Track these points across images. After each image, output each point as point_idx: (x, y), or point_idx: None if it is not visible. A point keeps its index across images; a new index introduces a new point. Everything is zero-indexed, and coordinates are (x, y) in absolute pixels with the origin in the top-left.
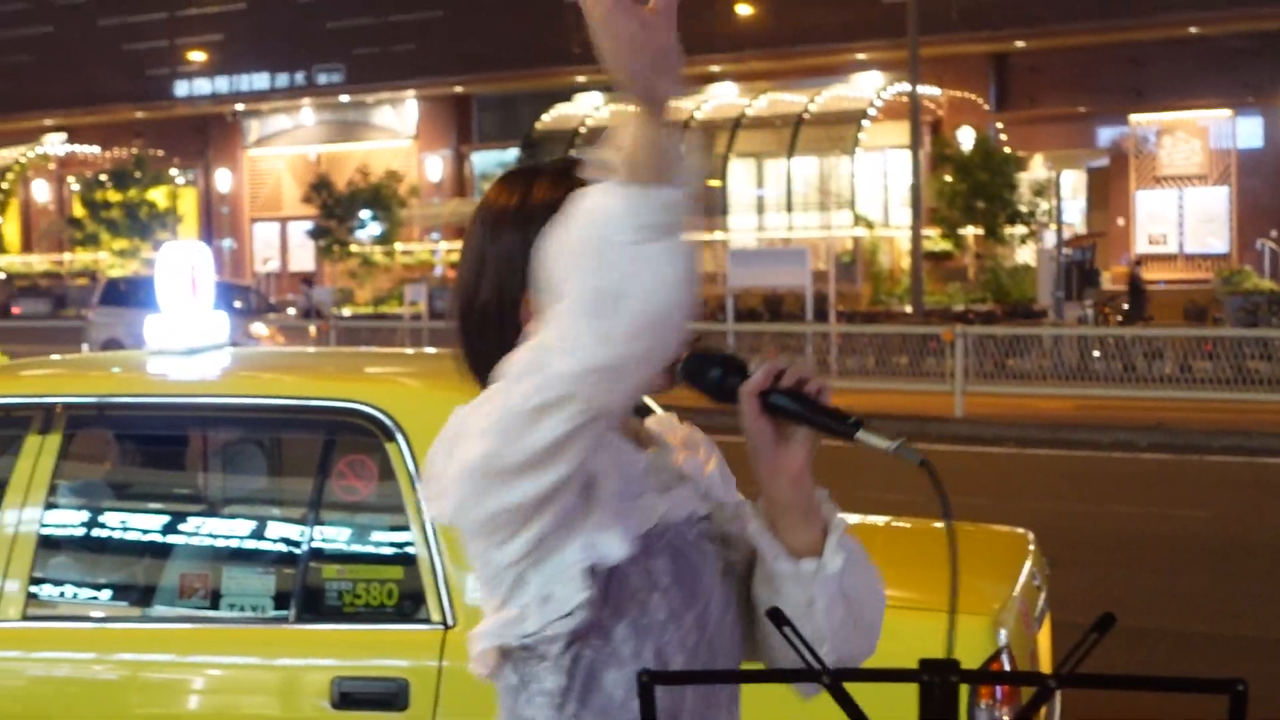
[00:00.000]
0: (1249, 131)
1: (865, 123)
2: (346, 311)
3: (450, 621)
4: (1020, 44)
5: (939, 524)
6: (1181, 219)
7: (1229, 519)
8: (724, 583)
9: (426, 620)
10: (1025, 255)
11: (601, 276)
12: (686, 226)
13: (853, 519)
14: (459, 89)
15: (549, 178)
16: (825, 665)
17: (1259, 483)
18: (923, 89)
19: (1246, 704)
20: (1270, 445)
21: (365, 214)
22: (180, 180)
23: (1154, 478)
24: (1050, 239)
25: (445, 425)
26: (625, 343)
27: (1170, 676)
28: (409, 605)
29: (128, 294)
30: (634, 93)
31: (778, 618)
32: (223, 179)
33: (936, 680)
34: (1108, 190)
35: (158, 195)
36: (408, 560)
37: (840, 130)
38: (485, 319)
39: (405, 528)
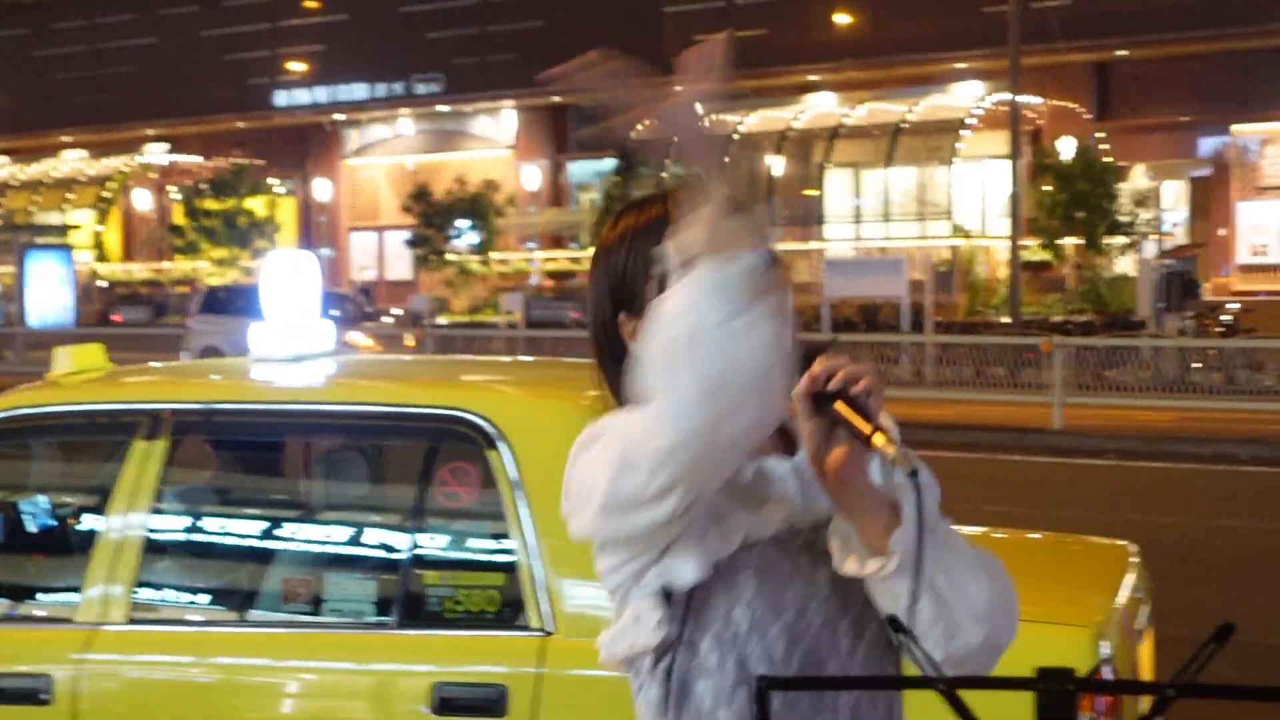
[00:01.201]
0: None
1: (964, 132)
2: (442, 320)
3: (550, 629)
4: (1123, 53)
5: (1035, 535)
6: None
7: None
8: (836, 591)
9: (526, 627)
10: (1125, 266)
11: (701, 367)
12: (772, 284)
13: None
14: (557, 99)
15: (635, 208)
16: (937, 668)
17: None
18: (1023, 98)
19: None
20: None
21: (463, 223)
22: (279, 189)
23: (1256, 491)
24: (1150, 249)
25: (573, 448)
26: (730, 419)
27: None
28: (509, 612)
29: (227, 302)
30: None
31: (895, 624)
32: (321, 188)
33: (1054, 689)
34: (1209, 200)
35: (256, 204)
36: (508, 567)
37: (939, 140)
38: (595, 340)
39: (506, 535)
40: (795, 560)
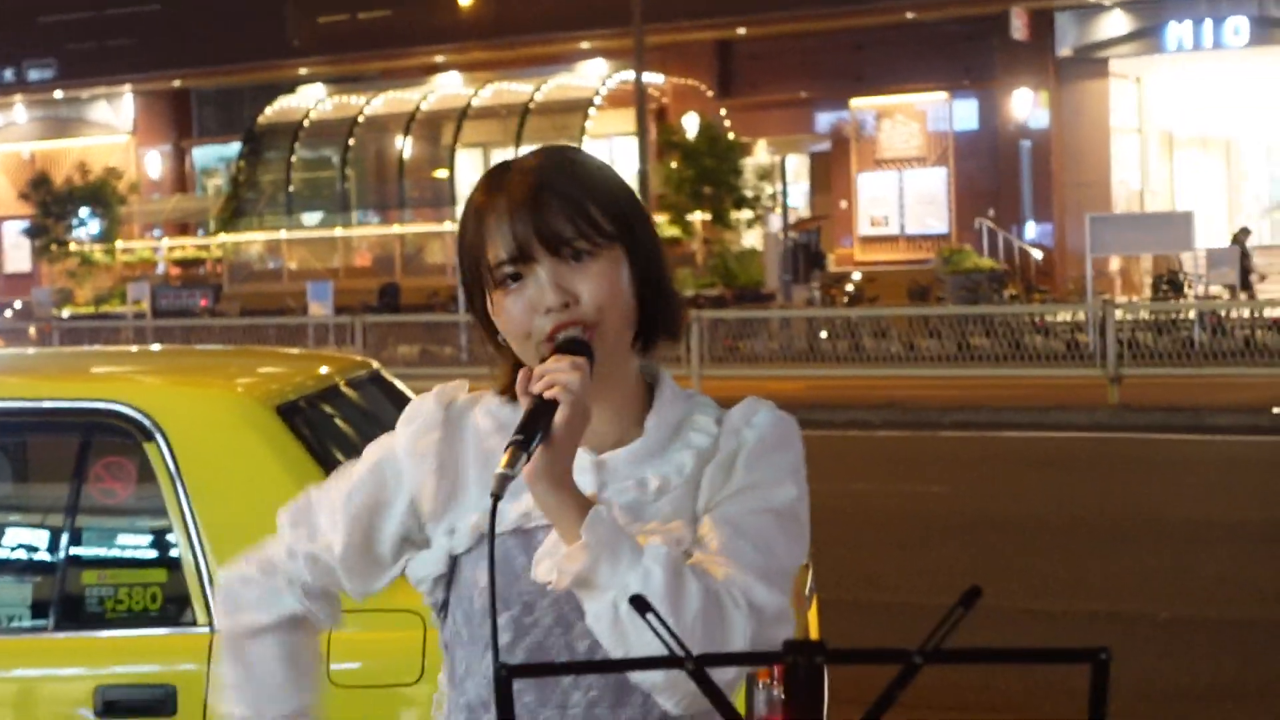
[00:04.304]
0: (965, 114)
1: (591, 111)
2: (67, 312)
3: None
4: (742, 31)
5: None
6: (902, 200)
7: (968, 493)
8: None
9: (193, 623)
10: (752, 240)
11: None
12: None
13: None
14: (177, 83)
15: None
16: (685, 647)
17: (991, 457)
18: (648, 77)
19: (1109, 673)
20: (997, 419)
21: (84, 212)
22: None
23: (891, 455)
24: (776, 223)
25: None
26: None
27: (1034, 649)
28: (174, 609)
29: None
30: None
31: (641, 604)
32: None
33: (802, 661)
34: (830, 173)
35: None
36: (172, 563)
37: (566, 119)
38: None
39: (168, 530)
40: (531, 555)
